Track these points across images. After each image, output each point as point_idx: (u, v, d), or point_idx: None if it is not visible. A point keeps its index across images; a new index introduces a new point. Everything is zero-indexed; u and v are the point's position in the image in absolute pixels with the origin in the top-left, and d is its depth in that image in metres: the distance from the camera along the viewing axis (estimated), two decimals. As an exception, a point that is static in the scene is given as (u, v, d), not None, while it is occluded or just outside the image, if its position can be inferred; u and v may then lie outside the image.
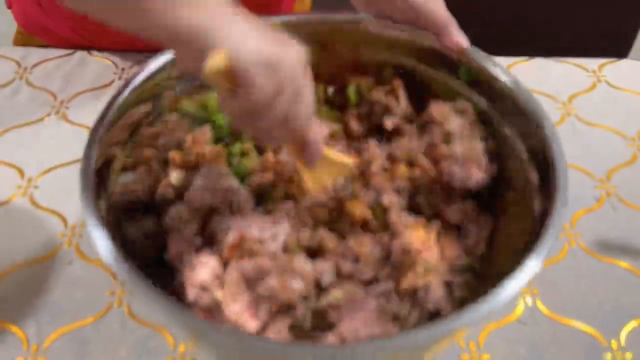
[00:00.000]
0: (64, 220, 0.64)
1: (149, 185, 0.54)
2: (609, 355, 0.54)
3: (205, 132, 0.56)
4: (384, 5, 0.59)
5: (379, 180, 0.55)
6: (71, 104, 0.78)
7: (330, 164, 0.51)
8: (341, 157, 0.53)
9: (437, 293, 0.49)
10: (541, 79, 0.84)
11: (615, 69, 0.86)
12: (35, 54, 0.85)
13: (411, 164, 0.56)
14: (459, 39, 0.56)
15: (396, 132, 0.59)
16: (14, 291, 0.58)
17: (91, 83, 0.80)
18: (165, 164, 0.56)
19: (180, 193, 0.53)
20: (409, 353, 0.40)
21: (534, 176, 0.50)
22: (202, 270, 0.47)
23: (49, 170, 0.69)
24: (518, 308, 0.57)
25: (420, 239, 0.51)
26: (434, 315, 0.50)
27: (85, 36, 0.86)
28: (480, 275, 0.52)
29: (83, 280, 0.59)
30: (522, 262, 0.41)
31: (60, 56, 0.84)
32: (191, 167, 0.55)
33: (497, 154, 0.55)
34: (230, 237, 0.48)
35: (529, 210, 0.48)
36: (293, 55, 0.42)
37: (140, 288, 0.39)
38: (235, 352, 0.41)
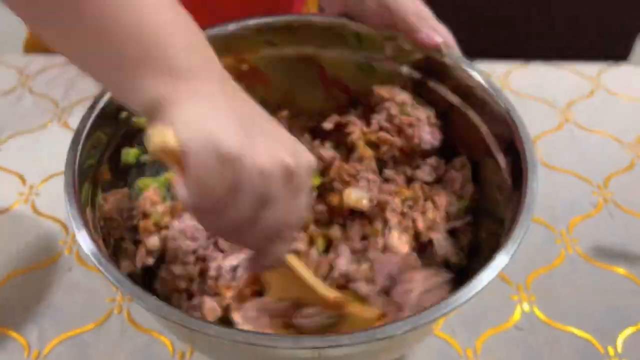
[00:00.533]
0: (65, 227, 0.65)
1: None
2: (605, 362, 0.54)
3: (156, 193, 0.55)
4: (354, 6, 0.57)
5: (351, 169, 0.56)
6: (73, 111, 0.79)
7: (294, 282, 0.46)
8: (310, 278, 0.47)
9: (443, 244, 0.52)
10: (539, 85, 0.84)
11: (614, 75, 0.86)
12: (38, 61, 0.86)
13: (370, 144, 0.58)
14: (432, 35, 0.54)
15: (338, 127, 0.61)
16: (14, 297, 0.58)
17: (93, 90, 0.81)
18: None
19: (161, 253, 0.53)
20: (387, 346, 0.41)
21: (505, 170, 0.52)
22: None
23: (51, 177, 0.70)
24: (515, 314, 0.58)
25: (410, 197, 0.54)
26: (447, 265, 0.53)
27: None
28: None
29: (83, 286, 0.59)
30: (493, 257, 0.42)
31: (63, 63, 0.85)
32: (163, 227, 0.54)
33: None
34: (244, 276, 0.50)
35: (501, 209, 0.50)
36: (272, 156, 0.34)
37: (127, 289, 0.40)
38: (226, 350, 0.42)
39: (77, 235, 0.42)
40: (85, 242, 0.42)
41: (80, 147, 0.47)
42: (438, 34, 0.55)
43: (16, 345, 0.55)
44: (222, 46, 0.58)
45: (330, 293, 0.46)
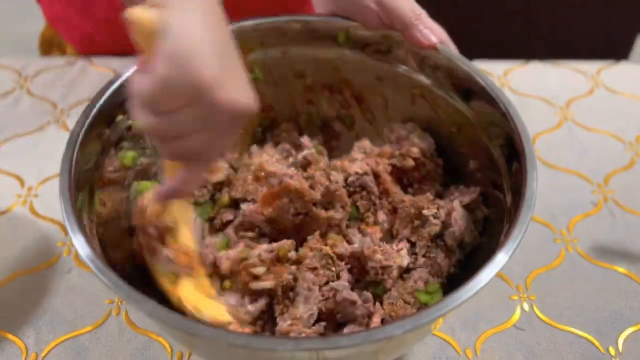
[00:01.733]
0: (63, 228, 0.64)
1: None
2: (606, 361, 0.54)
3: None
4: (348, 6, 0.57)
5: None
6: (71, 113, 0.78)
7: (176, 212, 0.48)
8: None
9: (459, 224, 0.53)
10: (538, 84, 0.84)
11: (613, 73, 0.86)
12: (36, 63, 0.86)
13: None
14: (427, 34, 0.55)
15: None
16: (13, 300, 0.58)
17: (91, 92, 0.80)
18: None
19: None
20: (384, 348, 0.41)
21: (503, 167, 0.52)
22: None
23: (49, 179, 0.70)
24: (515, 314, 0.57)
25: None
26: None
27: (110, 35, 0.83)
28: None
29: (82, 288, 0.59)
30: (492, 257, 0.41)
31: (61, 65, 0.85)
32: None
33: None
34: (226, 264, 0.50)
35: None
36: (229, 90, 0.37)
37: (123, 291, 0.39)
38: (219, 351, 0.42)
39: (73, 240, 0.42)
40: (81, 246, 0.41)
41: (75, 150, 0.47)
42: (433, 33, 0.55)
43: (14, 349, 0.54)
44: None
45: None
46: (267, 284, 0.49)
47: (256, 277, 0.50)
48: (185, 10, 0.37)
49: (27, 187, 0.69)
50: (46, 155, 0.73)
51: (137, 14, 0.37)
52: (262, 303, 0.50)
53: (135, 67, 0.38)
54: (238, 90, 0.39)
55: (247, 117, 0.39)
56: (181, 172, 0.43)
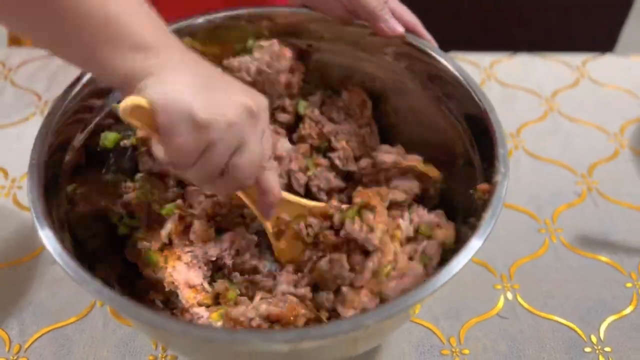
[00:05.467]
0: (48, 220, 0.64)
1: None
2: (588, 350, 0.55)
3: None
4: None
5: None
6: (55, 104, 0.78)
7: (293, 207, 0.51)
8: (301, 200, 0.52)
9: None
10: (525, 75, 0.84)
11: (599, 65, 0.86)
12: (20, 53, 0.85)
13: None
14: (392, 24, 0.54)
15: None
16: (-4, 292, 0.58)
17: (75, 83, 0.80)
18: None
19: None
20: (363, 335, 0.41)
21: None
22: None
23: (33, 170, 0.69)
24: (499, 303, 0.58)
25: None
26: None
27: None
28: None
29: (66, 280, 0.59)
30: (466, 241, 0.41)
31: (45, 56, 0.84)
32: None
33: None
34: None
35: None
36: (235, 105, 0.39)
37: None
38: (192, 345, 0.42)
39: (40, 235, 0.41)
40: (49, 242, 0.41)
41: (50, 132, 0.47)
42: (403, 19, 0.55)
43: (-3, 340, 0.54)
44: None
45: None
46: None
47: None
48: (167, 69, 0.39)
49: (11, 178, 0.69)
50: (30, 146, 0.72)
51: (131, 100, 0.37)
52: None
53: (153, 144, 0.40)
54: (236, 94, 0.40)
55: (261, 110, 0.41)
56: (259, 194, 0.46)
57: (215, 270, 0.54)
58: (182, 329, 0.36)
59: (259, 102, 0.41)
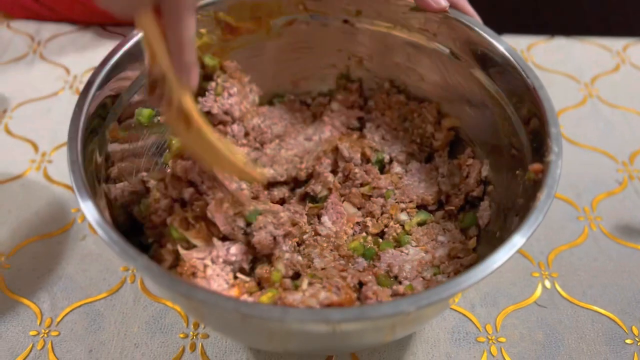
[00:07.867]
0: (78, 195, 0.63)
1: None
2: (629, 341, 0.53)
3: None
4: None
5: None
6: (85, 78, 0.77)
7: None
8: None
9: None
10: (563, 60, 0.82)
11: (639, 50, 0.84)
12: (49, 28, 0.84)
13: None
14: None
15: None
16: (27, 265, 0.58)
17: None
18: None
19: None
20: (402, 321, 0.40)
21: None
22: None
23: (63, 144, 0.69)
24: (537, 291, 0.56)
25: None
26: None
27: (46, 4, 0.84)
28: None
29: (97, 255, 0.59)
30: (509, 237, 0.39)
31: (74, 30, 0.83)
32: None
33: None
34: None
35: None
36: None
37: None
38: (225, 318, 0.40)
39: (82, 208, 0.40)
40: (91, 214, 0.39)
41: (87, 105, 0.45)
42: None
43: (29, 313, 0.54)
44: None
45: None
46: None
47: None
48: None
49: (41, 152, 0.68)
50: (60, 120, 0.72)
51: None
52: None
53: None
54: None
55: None
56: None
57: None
58: (234, 306, 0.35)
59: None
